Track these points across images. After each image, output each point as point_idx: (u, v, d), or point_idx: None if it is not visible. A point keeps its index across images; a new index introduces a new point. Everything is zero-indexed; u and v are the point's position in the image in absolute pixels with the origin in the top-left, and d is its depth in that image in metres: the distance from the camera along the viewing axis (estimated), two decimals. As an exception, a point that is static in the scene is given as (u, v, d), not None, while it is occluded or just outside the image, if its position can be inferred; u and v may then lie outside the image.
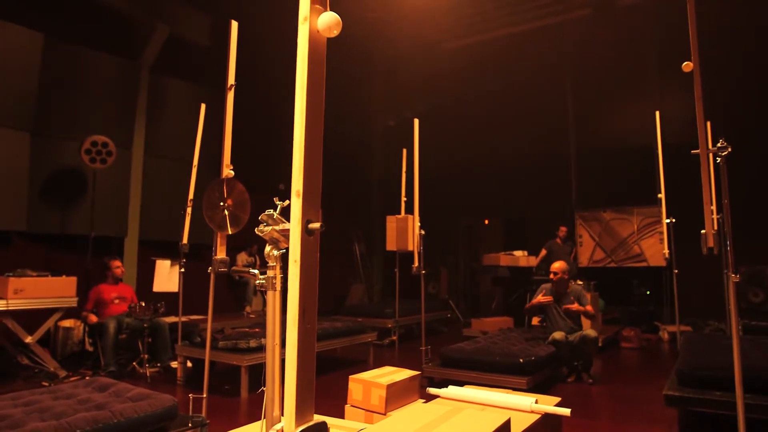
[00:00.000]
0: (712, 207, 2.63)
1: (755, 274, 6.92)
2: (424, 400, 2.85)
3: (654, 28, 8.15)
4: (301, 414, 1.19)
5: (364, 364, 5.64)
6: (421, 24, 8.81)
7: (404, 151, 6.22)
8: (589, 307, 4.96)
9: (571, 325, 4.99)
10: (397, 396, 2.77)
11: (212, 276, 2.98)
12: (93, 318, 5.16)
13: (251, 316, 7.20)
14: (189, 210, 4.83)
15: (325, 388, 4.53)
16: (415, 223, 5.33)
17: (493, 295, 9.51)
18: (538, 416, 2.42)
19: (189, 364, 4.96)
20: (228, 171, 2.89)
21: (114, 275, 5.47)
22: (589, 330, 4.87)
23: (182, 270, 5.12)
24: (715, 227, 3.08)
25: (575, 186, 9.49)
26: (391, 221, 6.05)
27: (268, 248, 1.65)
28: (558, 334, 4.80)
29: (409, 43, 9.49)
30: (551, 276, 5.13)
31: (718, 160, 2.45)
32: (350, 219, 10.39)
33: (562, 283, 5.06)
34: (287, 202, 1.34)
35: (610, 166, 8.97)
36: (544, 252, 8.16)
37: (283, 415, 1.20)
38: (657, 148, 6.09)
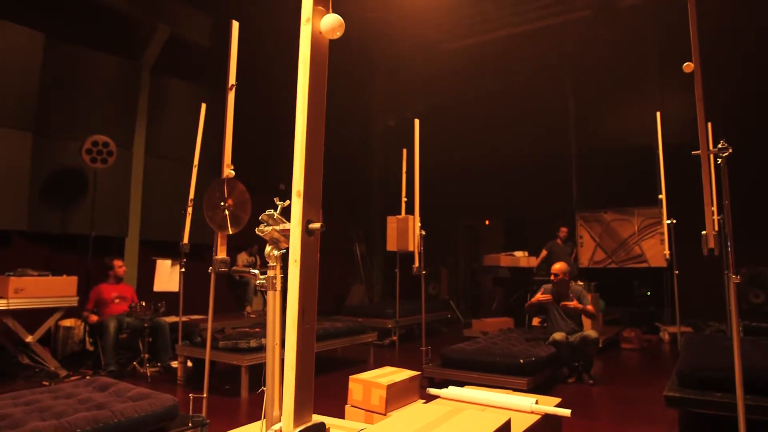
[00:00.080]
0: (712, 208, 2.63)
1: (756, 275, 6.92)
2: (424, 401, 2.85)
3: (654, 29, 8.15)
4: (299, 414, 1.19)
5: (365, 364, 5.64)
6: (421, 24, 8.81)
7: (404, 151, 6.22)
8: (589, 307, 4.95)
9: (572, 325, 4.99)
10: (397, 396, 2.77)
11: (213, 276, 2.98)
12: (94, 318, 5.16)
13: (252, 316, 7.20)
14: (189, 210, 4.83)
15: (325, 388, 4.53)
16: (415, 223, 5.33)
17: (493, 296, 9.52)
18: (539, 417, 2.42)
19: (189, 363, 4.96)
20: (229, 171, 2.89)
21: (116, 275, 5.48)
22: (589, 331, 4.87)
23: (183, 270, 5.12)
24: (716, 228, 3.08)
25: (576, 186, 9.49)
26: (392, 221, 6.05)
27: (268, 248, 1.65)
28: (558, 335, 4.79)
29: (410, 44, 9.49)
30: (551, 277, 5.13)
31: (719, 161, 2.45)
32: (351, 219, 10.40)
33: (562, 284, 5.05)
34: (288, 202, 1.34)
35: (610, 166, 8.97)
36: (544, 252, 8.16)
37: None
38: (658, 149, 6.09)
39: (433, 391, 2.87)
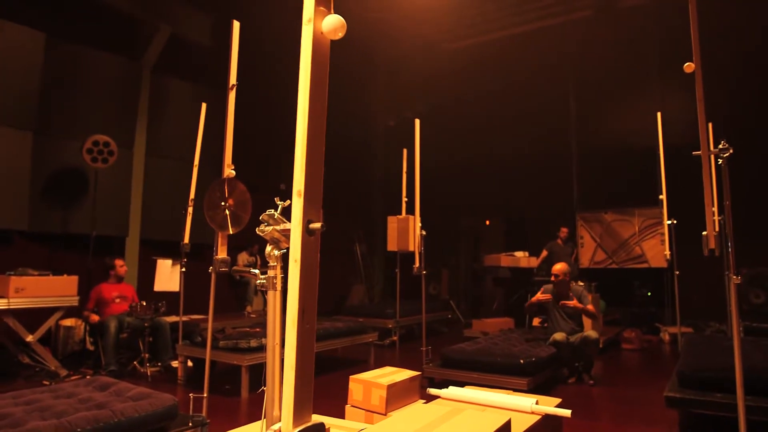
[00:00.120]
0: (713, 208, 2.63)
1: (756, 276, 6.91)
2: (424, 401, 2.85)
3: (655, 29, 8.15)
4: (299, 414, 1.19)
5: (365, 364, 5.65)
6: (422, 24, 8.81)
7: (404, 151, 6.22)
8: (589, 306, 4.94)
9: (573, 326, 4.98)
10: (397, 396, 2.77)
11: (213, 276, 2.98)
12: (94, 317, 5.17)
13: (252, 315, 7.20)
14: (190, 210, 4.83)
15: (325, 388, 4.53)
16: (416, 223, 5.33)
17: (493, 296, 9.51)
18: (539, 417, 2.42)
19: (190, 363, 4.96)
20: (229, 171, 2.89)
21: (118, 274, 5.49)
22: (590, 331, 4.87)
23: (183, 269, 5.12)
24: (717, 229, 3.08)
25: (576, 187, 9.48)
26: (392, 221, 6.05)
27: (269, 248, 1.65)
28: (559, 335, 4.79)
29: (410, 44, 9.49)
30: (552, 278, 5.12)
31: (720, 161, 2.45)
32: (351, 219, 10.39)
33: (563, 285, 5.05)
34: (288, 202, 1.34)
35: (611, 166, 8.97)
36: (545, 253, 8.15)
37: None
38: (658, 149, 6.08)
39: (433, 391, 2.87)
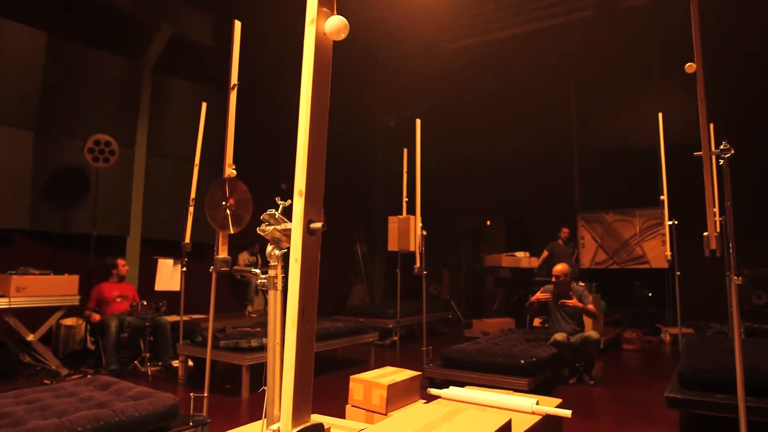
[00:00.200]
0: (714, 209, 2.63)
1: (758, 277, 6.90)
2: (425, 401, 2.85)
3: (656, 29, 8.13)
4: (298, 414, 1.19)
5: (366, 364, 5.65)
6: (422, 24, 8.81)
7: (405, 150, 6.21)
8: (590, 306, 4.93)
9: (574, 326, 4.98)
10: (398, 396, 2.77)
11: (214, 275, 2.98)
12: (96, 316, 5.17)
13: (253, 315, 7.21)
14: (191, 209, 4.84)
15: (326, 388, 4.53)
16: (417, 223, 5.33)
17: (494, 296, 9.50)
18: (539, 417, 2.41)
19: (190, 363, 4.97)
20: (230, 170, 2.89)
21: (119, 273, 5.50)
22: (591, 331, 4.86)
23: (184, 269, 5.12)
24: (718, 229, 3.08)
25: (577, 187, 9.48)
26: (393, 222, 6.05)
27: (269, 248, 1.65)
28: (559, 335, 4.79)
29: (411, 44, 9.50)
30: (553, 279, 5.11)
31: (721, 162, 2.44)
32: (352, 219, 10.39)
33: (564, 286, 5.04)
34: (289, 201, 1.34)
35: (612, 167, 8.96)
36: (545, 253, 8.15)
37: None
38: (659, 150, 6.07)
39: (433, 391, 2.87)
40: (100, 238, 5.96)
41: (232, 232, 2.78)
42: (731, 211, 2.46)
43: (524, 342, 5.05)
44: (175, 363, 5.10)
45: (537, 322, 7.15)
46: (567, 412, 2.49)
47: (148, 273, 6.61)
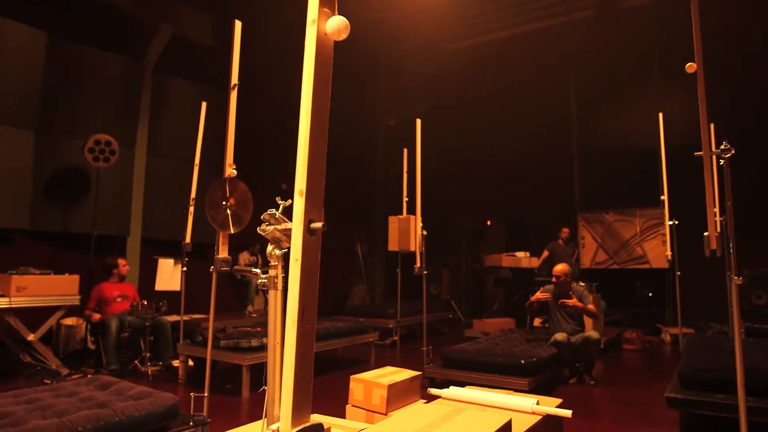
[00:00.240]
0: (714, 209, 2.63)
1: (758, 277, 6.90)
2: (425, 401, 2.85)
3: (656, 29, 8.13)
4: (298, 414, 1.19)
5: (366, 364, 5.65)
6: (423, 24, 8.81)
7: (405, 150, 6.21)
8: (590, 306, 4.93)
9: (574, 326, 4.98)
10: (398, 396, 2.77)
11: (214, 275, 2.98)
12: (97, 316, 5.17)
13: (253, 315, 7.21)
14: (191, 209, 4.84)
15: (326, 388, 4.53)
16: (417, 223, 5.33)
17: (494, 296, 9.50)
18: (540, 417, 2.41)
19: (191, 362, 4.97)
20: (231, 170, 2.89)
21: (120, 273, 5.50)
22: (591, 331, 4.86)
23: (185, 269, 5.13)
24: (718, 229, 3.07)
25: (577, 187, 9.48)
26: (394, 221, 6.05)
27: (270, 247, 1.65)
28: (560, 335, 4.79)
29: (411, 44, 9.50)
30: (553, 279, 5.11)
31: (722, 162, 2.44)
32: (352, 219, 10.40)
33: (564, 286, 5.04)
34: (289, 201, 1.34)
35: (612, 167, 8.96)
36: (546, 253, 8.15)
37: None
38: (660, 150, 6.07)
39: (434, 391, 2.87)
40: (100, 238, 5.96)
41: (232, 231, 2.78)
42: (731, 211, 2.46)
43: (524, 342, 5.05)
44: (176, 363, 5.10)
45: (537, 322, 7.14)
46: (567, 412, 2.49)
47: (148, 273, 6.62)
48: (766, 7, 7.13)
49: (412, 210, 5.55)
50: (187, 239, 4.88)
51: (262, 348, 4.43)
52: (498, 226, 10.77)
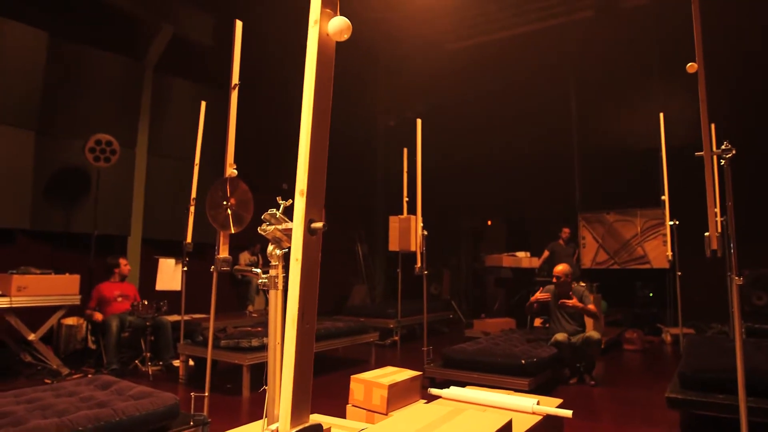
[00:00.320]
0: (715, 209, 2.62)
1: (759, 277, 6.89)
2: (425, 401, 2.85)
3: (657, 29, 8.13)
4: (297, 415, 1.19)
5: (366, 364, 5.65)
6: (423, 24, 8.81)
7: (405, 150, 6.21)
8: (590, 306, 4.92)
9: (575, 326, 4.97)
10: (398, 396, 2.77)
11: (215, 275, 2.98)
12: (98, 315, 5.17)
13: (253, 315, 7.21)
14: (192, 209, 4.84)
15: (326, 388, 4.53)
16: (417, 223, 5.33)
17: (495, 296, 9.50)
18: (540, 418, 2.41)
19: (191, 362, 4.97)
20: (231, 170, 2.89)
21: (121, 273, 5.51)
22: (592, 332, 4.86)
23: (185, 269, 5.13)
24: (719, 230, 3.07)
25: (578, 187, 9.47)
26: (394, 221, 6.05)
27: (270, 247, 1.65)
28: (560, 336, 4.78)
29: (412, 44, 9.49)
30: (554, 279, 5.11)
31: (722, 162, 2.44)
32: (353, 219, 10.40)
33: (565, 287, 5.04)
34: (290, 201, 1.34)
35: (613, 167, 8.96)
36: (546, 253, 8.14)
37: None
38: (660, 150, 6.07)
39: (434, 391, 2.87)
40: (101, 238, 5.96)
41: (233, 231, 2.78)
42: (732, 212, 2.46)
43: (525, 342, 5.05)
44: (176, 362, 5.10)
45: (538, 322, 7.14)
46: (568, 413, 2.49)
47: (149, 273, 6.62)
48: (766, 7, 7.12)
49: (412, 210, 5.55)
50: (188, 239, 4.89)
51: (263, 348, 4.43)
52: (498, 226, 10.76)
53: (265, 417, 1.69)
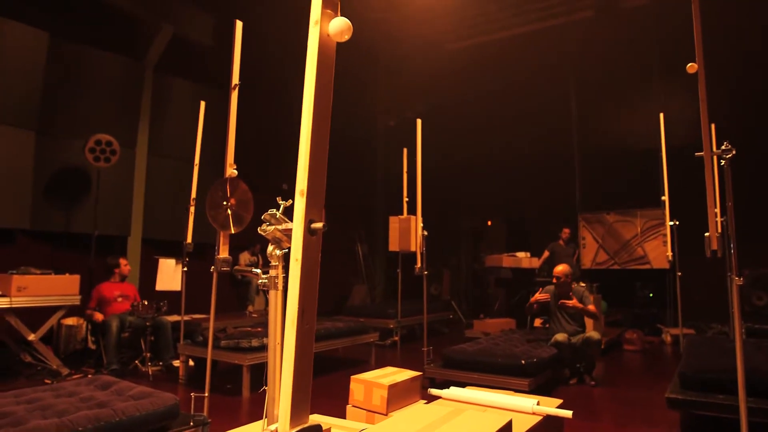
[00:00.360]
0: (715, 209, 2.62)
1: (759, 277, 6.89)
2: (425, 401, 2.85)
3: (657, 30, 8.13)
4: (296, 415, 1.18)
5: (366, 364, 5.65)
6: (423, 25, 8.81)
7: (405, 150, 6.21)
8: (590, 307, 4.92)
9: (575, 327, 4.97)
10: (398, 396, 2.77)
11: (215, 275, 2.98)
12: (99, 316, 5.17)
13: (253, 315, 7.21)
14: (192, 209, 4.84)
15: (326, 388, 4.53)
16: (417, 223, 5.33)
17: (495, 297, 9.51)
18: (540, 418, 2.41)
19: (191, 362, 4.97)
20: (231, 170, 2.89)
21: (121, 273, 5.51)
22: (592, 332, 4.86)
23: (185, 269, 5.13)
24: (719, 230, 3.07)
25: (578, 187, 9.47)
26: (394, 222, 6.05)
27: (270, 248, 1.65)
28: (560, 336, 4.78)
29: (412, 44, 9.50)
30: (554, 280, 5.11)
31: (723, 162, 2.44)
32: (353, 219, 10.40)
33: (565, 287, 5.04)
34: (290, 201, 1.34)
35: (613, 167, 8.96)
36: (546, 254, 8.14)
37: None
38: (660, 150, 6.07)
39: (434, 391, 2.87)
40: (101, 238, 5.96)
41: (233, 232, 2.78)
42: (732, 212, 2.45)
43: (525, 342, 5.05)
44: (176, 363, 5.10)
45: (538, 322, 7.14)
46: (568, 413, 2.49)
47: (149, 273, 6.62)
48: (766, 7, 7.12)
49: (412, 210, 5.55)
50: (188, 239, 4.89)
51: (263, 348, 4.43)
52: (498, 226, 10.76)
53: (265, 417, 1.69)
